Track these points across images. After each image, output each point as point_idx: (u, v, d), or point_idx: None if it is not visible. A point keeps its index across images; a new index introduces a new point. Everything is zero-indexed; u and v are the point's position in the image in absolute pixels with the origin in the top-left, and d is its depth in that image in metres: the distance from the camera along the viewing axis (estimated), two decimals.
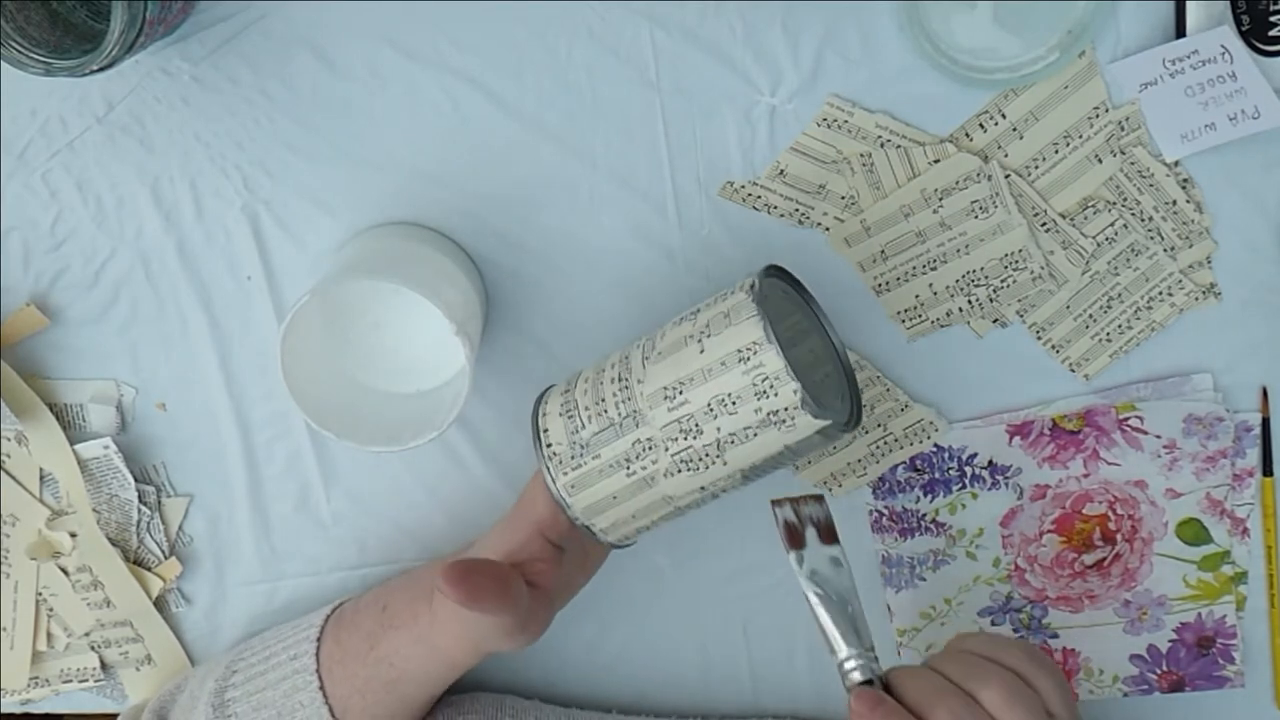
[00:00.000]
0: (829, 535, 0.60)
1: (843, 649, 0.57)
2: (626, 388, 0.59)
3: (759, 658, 0.76)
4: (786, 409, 0.56)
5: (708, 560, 0.75)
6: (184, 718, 0.69)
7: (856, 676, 0.57)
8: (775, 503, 0.60)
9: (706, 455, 0.57)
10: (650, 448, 0.58)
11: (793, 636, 0.76)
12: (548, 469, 0.60)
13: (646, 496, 0.59)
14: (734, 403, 0.56)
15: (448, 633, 0.64)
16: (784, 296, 0.62)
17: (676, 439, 0.57)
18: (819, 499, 0.61)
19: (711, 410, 0.57)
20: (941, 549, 0.74)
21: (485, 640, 0.64)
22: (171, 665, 0.77)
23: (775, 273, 0.61)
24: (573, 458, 0.59)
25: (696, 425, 0.57)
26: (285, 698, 0.67)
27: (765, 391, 0.55)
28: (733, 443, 0.57)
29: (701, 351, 0.57)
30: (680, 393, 0.57)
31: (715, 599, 0.75)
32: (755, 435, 0.57)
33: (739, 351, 0.56)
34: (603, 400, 0.59)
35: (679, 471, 0.58)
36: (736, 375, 0.56)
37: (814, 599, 0.58)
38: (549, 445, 0.60)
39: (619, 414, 0.58)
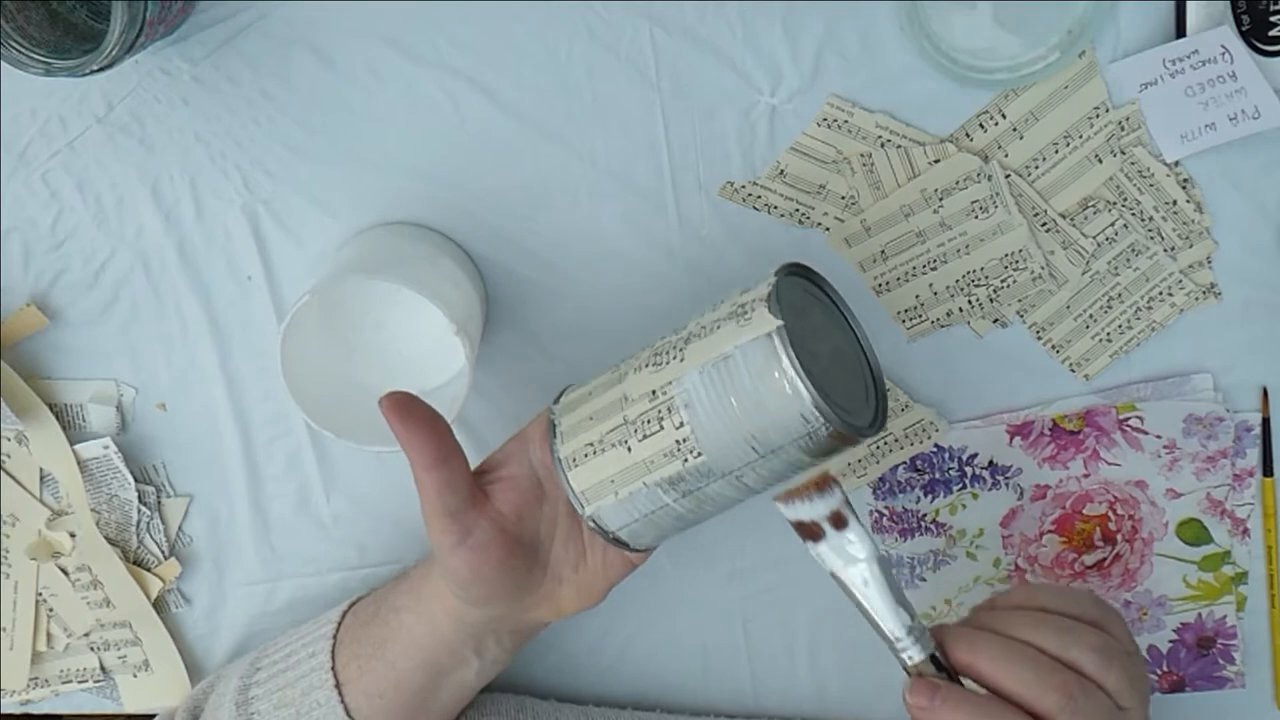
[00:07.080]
0: (839, 521, 0.56)
1: (889, 630, 0.55)
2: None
3: (759, 658, 0.76)
4: (752, 301, 0.56)
5: (708, 560, 0.75)
6: (213, 716, 0.69)
7: (912, 656, 0.54)
8: (777, 499, 0.57)
9: (673, 349, 0.58)
10: (641, 351, 0.60)
11: (793, 636, 0.76)
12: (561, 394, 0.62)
13: (609, 397, 0.59)
14: (717, 304, 0.59)
15: (431, 579, 0.64)
16: (805, 294, 0.60)
17: (661, 341, 0.59)
18: (823, 486, 0.56)
19: (702, 314, 0.59)
20: (942, 549, 0.74)
21: (462, 589, 0.61)
22: (168, 671, 0.77)
23: (797, 270, 0.59)
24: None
25: (684, 329, 0.59)
26: (303, 696, 0.67)
27: (746, 289, 0.58)
28: (699, 335, 0.57)
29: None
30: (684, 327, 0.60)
31: (715, 599, 0.75)
32: (718, 328, 0.57)
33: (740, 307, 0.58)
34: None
35: (645, 366, 0.59)
36: (730, 301, 0.58)
37: (847, 593, 0.56)
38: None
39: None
